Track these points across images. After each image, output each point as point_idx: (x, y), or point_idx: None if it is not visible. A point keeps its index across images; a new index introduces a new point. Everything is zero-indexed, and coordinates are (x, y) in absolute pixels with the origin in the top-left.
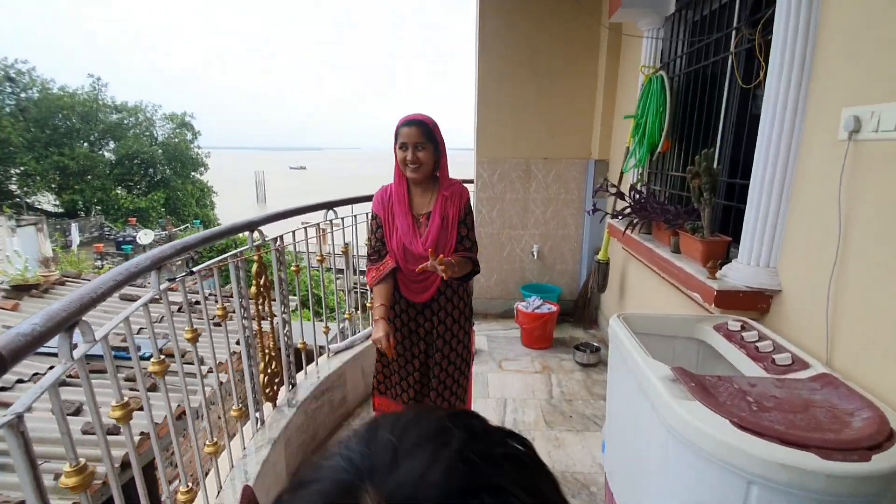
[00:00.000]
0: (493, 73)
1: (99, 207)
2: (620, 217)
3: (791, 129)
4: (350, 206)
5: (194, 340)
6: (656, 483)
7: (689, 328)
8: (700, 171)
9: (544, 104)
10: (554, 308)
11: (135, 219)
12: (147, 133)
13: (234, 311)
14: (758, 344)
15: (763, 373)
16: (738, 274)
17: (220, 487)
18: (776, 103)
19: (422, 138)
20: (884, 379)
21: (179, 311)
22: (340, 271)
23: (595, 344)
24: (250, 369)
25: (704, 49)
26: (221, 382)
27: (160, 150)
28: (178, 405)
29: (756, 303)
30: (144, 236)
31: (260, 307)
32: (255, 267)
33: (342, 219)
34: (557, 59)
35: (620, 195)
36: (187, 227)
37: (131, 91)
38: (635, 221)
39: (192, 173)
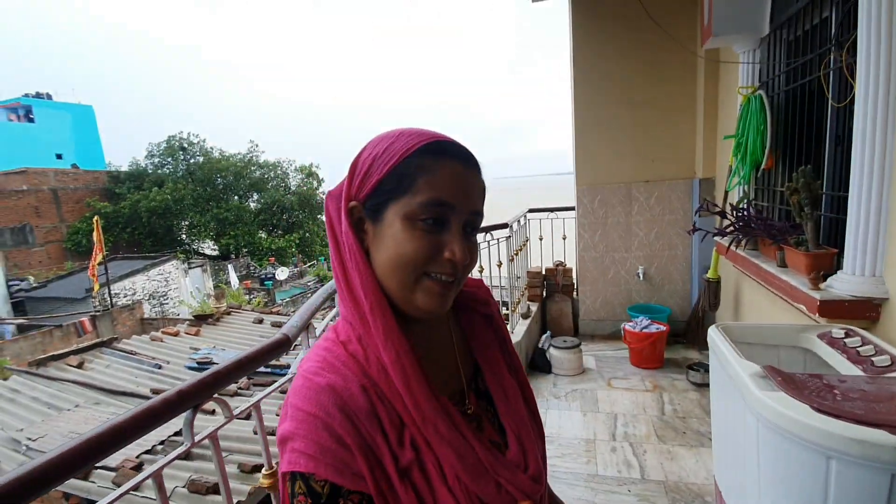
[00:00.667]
0: (588, 102)
1: (246, 250)
2: (724, 235)
3: (883, 144)
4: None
5: None
6: (751, 469)
7: (792, 337)
8: (798, 186)
9: (641, 130)
10: (663, 328)
11: (273, 258)
12: (283, 184)
13: None
14: (860, 349)
15: (860, 373)
16: (843, 284)
17: None
18: (866, 120)
19: (482, 205)
20: None
21: None
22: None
23: (709, 364)
24: None
25: (802, 67)
26: None
27: (292, 198)
28: None
29: (864, 311)
30: (281, 273)
31: None
32: None
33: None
34: (651, 86)
35: (722, 214)
36: (314, 263)
37: (277, 152)
38: (739, 238)
39: (319, 216)
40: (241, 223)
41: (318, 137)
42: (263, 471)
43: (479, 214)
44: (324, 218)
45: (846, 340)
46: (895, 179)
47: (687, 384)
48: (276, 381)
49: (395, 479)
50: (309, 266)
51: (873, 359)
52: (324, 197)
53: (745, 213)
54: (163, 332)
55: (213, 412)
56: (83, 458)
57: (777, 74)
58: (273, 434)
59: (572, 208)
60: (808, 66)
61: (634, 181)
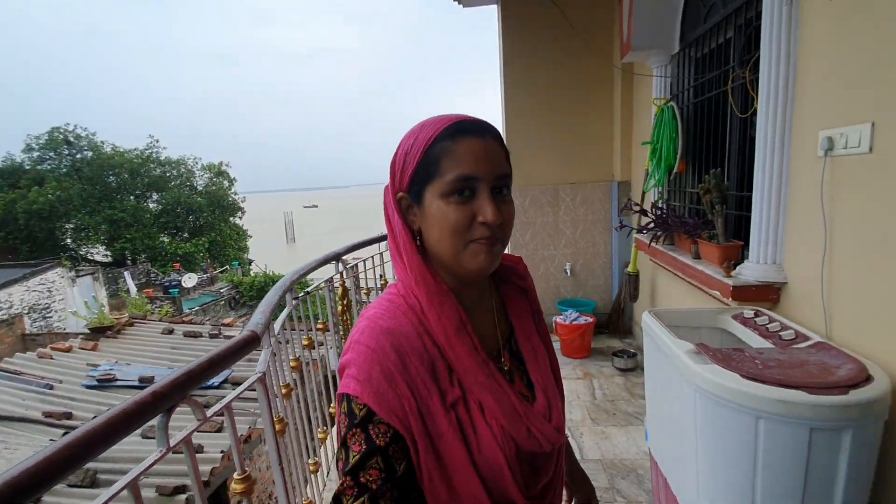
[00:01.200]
0: (518, 108)
1: (145, 255)
2: (645, 231)
3: (781, 150)
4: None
5: (310, 347)
6: (689, 436)
7: (711, 319)
8: (710, 187)
9: (567, 135)
10: (590, 320)
11: (178, 264)
12: (188, 184)
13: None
14: (768, 326)
15: (771, 346)
16: (750, 271)
17: (331, 467)
18: (766, 129)
19: (506, 166)
20: (867, 341)
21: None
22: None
23: (632, 350)
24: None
25: (708, 82)
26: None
27: (200, 199)
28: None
29: (767, 294)
30: (189, 279)
31: (345, 323)
32: (340, 289)
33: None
34: (576, 94)
35: (643, 212)
36: (226, 268)
37: (180, 148)
38: (658, 234)
39: (231, 218)
40: (139, 225)
41: (228, 133)
42: (235, 475)
43: (506, 176)
44: (238, 220)
45: (756, 320)
46: (791, 180)
47: (613, 370)
48: (207, 396)
49: (440, 412)
50: (220, 272)
51: (780, 333)
52: (236, 196)
53: (663, 211)
54: (52, 349)
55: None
56: (57, 469)
57: (686, 88)
58: (247, 439)
59: None
60: (714, 81)
61: (561, 183)
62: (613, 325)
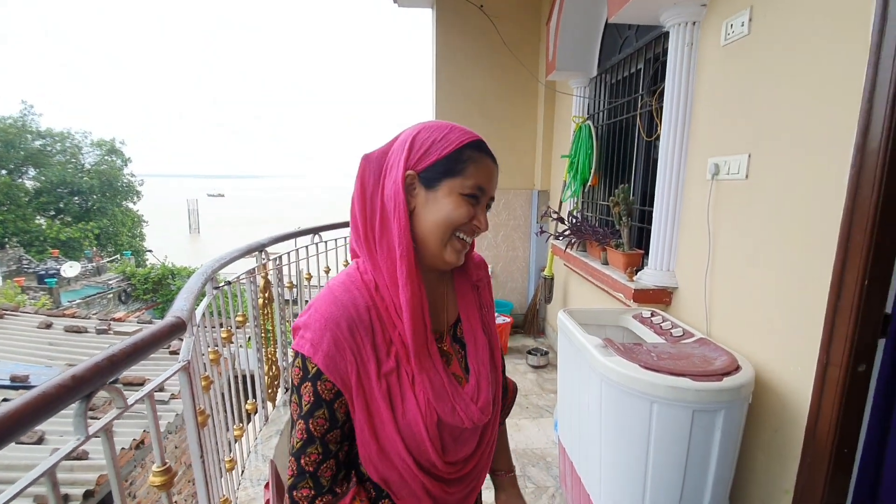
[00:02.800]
0: (448, 115)
1: (17, 239)
2: (561, 238)
3: (678, 172)
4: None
5: (229, 339)
6: (594, 421)
7: (615, 318)
8: (619, 200)
9: (494, 142)
10: (508, 320)
11: (57, 251)
12: (73, 161)
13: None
14: (661, 324)
15: (664, 341)
16: (649, 277)
17: (244, 467)
18: (667, 153)
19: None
20: (734, 338)
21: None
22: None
23: (544, 349)
24: (258, 371)
25: (620, 106)
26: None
27: (90, 179)
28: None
29: (661, 297)
30: (70, 269)
31: (265, 317)
32: (262, 282)
33: (325, 242)
34: (505, 104)
35: (561, 220)
36: (117, 258)
37: (70, 119)
38: (573, 241)
39: (125, 202)
40: (12, 205)
41: (130, 107)
42: (155, 467)
43: (493, 198)
44: (133, 205)
45: (652, 319)
46: (685, 199)
47: (527, 367)
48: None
49: (374, 377)
50: (110, 261)
51: (671, 331)
52: (132, 178)
53: (578, 220)
54: None
55: None
56: None
57: (602, 109)
58: (169, 432)
59: None
60: (626, 105)
61: None
62: (528, 325)
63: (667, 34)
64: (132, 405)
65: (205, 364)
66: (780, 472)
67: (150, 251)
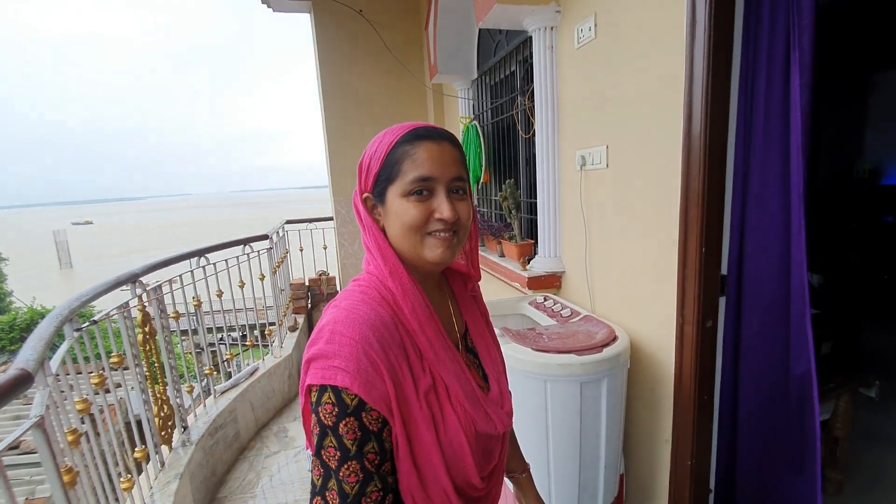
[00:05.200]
0: (337, 117)
1: None
2: None
3: (553, 165)
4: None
5: (101, 385)
6: None
7: (514, 307)
8: (507, 195)
9: None
10: None
11: None
12: None
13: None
14: (553, 307)
15: (555, 323)
16: (540, 264)
17: None
18: (542, 147)
19: (461, 169)
20: (613, 312)
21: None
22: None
23: None
24: (147, 414)
25: (500, 106)
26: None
27: None
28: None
29: (552, 282)
30: None
31: (148, 354)
32: (139, 316)
33: (214, 264)
34: (394, 108)
35: None
36: None
37: None
38: None
39: None
40: None
41: None
42: None
43: (461, 179)
44: None
45: (545, 303)
46: (562, 189)
47: None
48: None
49: (412, 398)
50: None
51: (561, 312)
52: None
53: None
54: None
55: None
56: None
57: (485, 110)
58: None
59: (331, 219)
60: (505, 105)
61: None
62: None
63: (532, 38)
64: None
65: (72, 417)
66: (659, 425)
67: (10, 293)
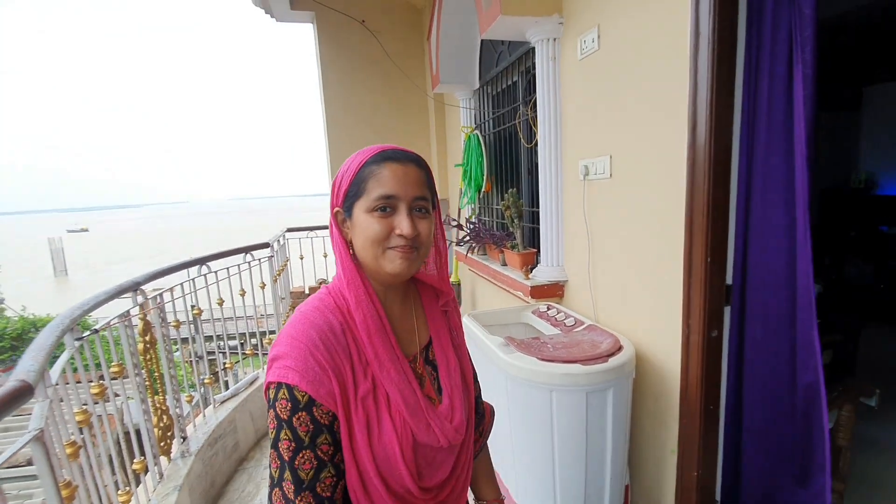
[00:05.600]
0: (338, 126)
1: None
2: (462, 243)
3: (556, 174)
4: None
5: (101, 395)
6: (503, 417)
7: (517, 316)
8: (510, 204)
9: None
10: None
11: None
12: None
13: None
14: (556, 316)
15: (559, 332)
16: (542, 274)
17: None
18: (545, 157)
19: (424, 190)
20: (617, 321)
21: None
22: (185, 340)
23: None
24: (146, 424)
25: (503, 116)
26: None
27: None
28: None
29: (555, 291)
30: None
31: (148, 363)
32: (140, 325)
33: (216, 273)
34: (396, 117)
35: (460, 226)
36: None
37: None
38: (473, 246)
39: None
40: None
41: None
42: None
43: (423, 198)
44: None
45: (548, 312)
46: (565, 198)
47: None
48: None
49: (353, 400)
50: None
51: (565, 322)
52: None
53: (476, 225)
54: None
55: None
56: None
57: (487, 119)
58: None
59: None
60: (507, 115)
61: None
62: None
63: (534, 49)
64: None
65: (71, 428)
66: (665, 435)
67: (2, 300)
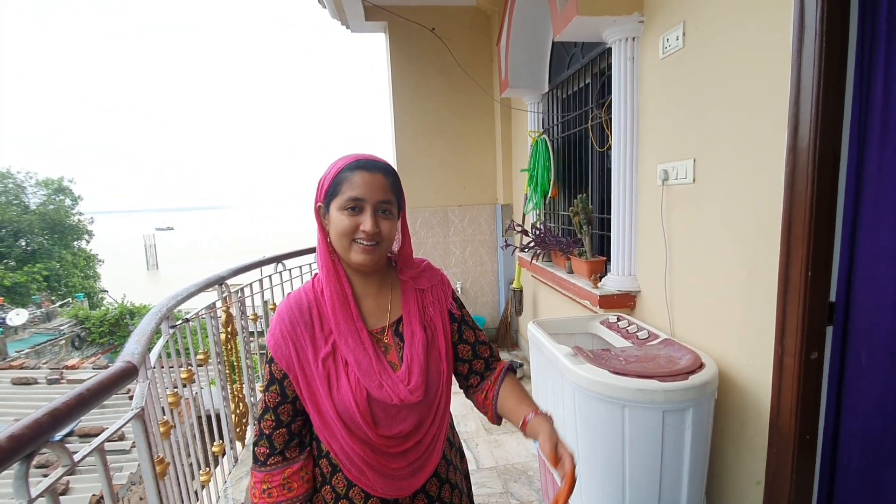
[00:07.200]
0: (407, 135)
1: None
2: (527, 250)
3: (631, 179)
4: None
5: (190, 380)
6: (570, 429)
7: (584, 325)
8: (578, 210)
9: (454, 161)
10: None
11: (1, 298)
12: (16, 201)
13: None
14: (628, 328)
15: (631, 345)
16: (612, 283)
17: None
18: (619, 162)
19: (388, 194)
20: (696, 337)
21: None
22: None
23: (518, 361)
24: (225, 410)
25: (572, 120)
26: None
27: (32, 219)
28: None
29: (626, 301)
30: (17, 316)
31: (229, 353)
32: (224, 316)
33: (290, 270)
34: (462, 123)
35: (525, 232)
36: (68, 301)
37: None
38: (538, 252)
39: (75, 242)
40: None
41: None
42: None
43: (388, 202)
44: (85, 244)
45: (619, 324)
46: (640, 204)
47: None
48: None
49: (312, 362)
50: (60, 305)
51: (637, 334)
52: (81, 217)
53: (541, 231)
54: None
55: None
56: None
57: (556, 123)
58: (133, 483)
59: None
60: (577, 119)
61: (450, 205)
62: (502, 339)
63: (610, 50)
64: (80, 461)
65: (163, 408)
66: (750, 464)
67: (105, 291)
